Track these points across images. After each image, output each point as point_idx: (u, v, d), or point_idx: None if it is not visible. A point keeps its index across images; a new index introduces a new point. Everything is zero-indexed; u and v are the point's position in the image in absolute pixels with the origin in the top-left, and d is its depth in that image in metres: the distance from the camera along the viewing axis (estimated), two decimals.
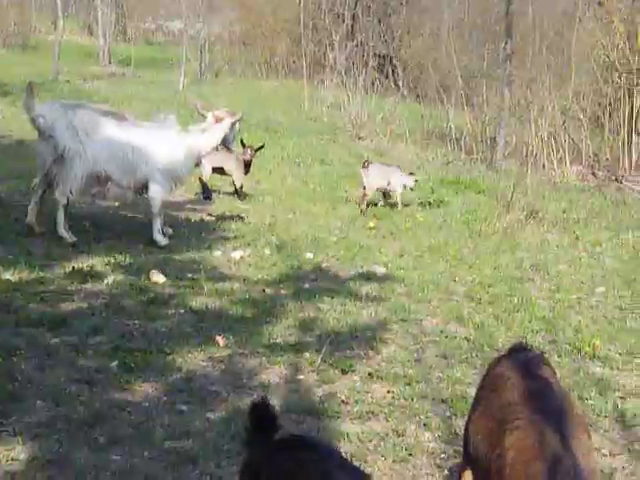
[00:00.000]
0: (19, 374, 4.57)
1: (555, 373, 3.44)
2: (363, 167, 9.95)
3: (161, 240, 7.45)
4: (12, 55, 21.27)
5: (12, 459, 3.76)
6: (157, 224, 7.49)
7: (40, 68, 18.69)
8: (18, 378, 4.52)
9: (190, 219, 8.62)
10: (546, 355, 3.68)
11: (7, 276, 6.03)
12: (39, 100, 7.45)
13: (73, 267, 6.40)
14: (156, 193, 7.45)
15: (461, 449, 3.71)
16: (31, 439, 3.93)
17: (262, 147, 10.01)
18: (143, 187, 7.52)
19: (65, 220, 7.26)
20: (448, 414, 4.73)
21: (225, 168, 9.86)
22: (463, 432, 3.50)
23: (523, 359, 3.35)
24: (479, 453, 3.18)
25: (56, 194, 7.22)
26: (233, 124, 8.03)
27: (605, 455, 4.39)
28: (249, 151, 9.82)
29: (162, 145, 7.45)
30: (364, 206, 9.71)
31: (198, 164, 8.06)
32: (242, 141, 9.76)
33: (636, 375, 5.45)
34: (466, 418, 3.56)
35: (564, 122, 12.69)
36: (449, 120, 14.32)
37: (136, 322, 5.57)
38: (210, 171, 9.73)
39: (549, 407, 3.07)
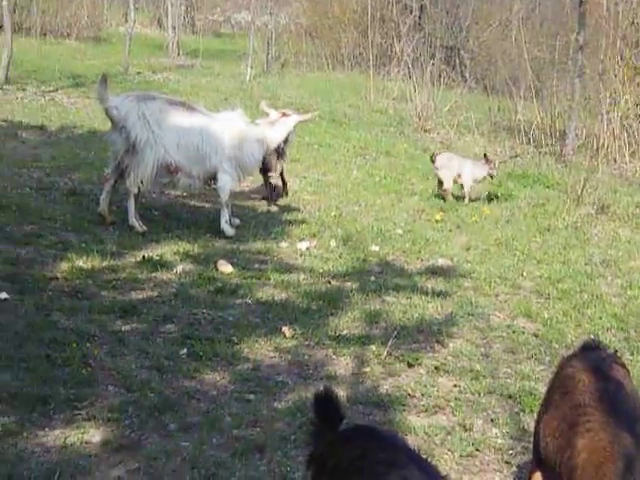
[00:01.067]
0: (92, 360, 4.68)
1: (628, 373, 3.37)
2: (432, 161, 9.80)
3: (229, 230, 7.53)
4: (84, 47, 21.71)
5: (86, 442, 3.86)
6: (225, 214, 7.57)
7: (111, 60, 19.03)
8: (91, 364, 4.63)
9: (257, 209, 8.69)
10: (619, 354, 3.60)
11: (80, 264, 6.17)
12: (111, 91, 7.59)
13: (143, 256, 6.52)
14: (225, 183, 7.53)
15: (530, 446, 3.67)
16: (104, 423, 4.03)
17: None
18: (212, 177, 7.62)
19: (136, 209, 7.39)
20: (516, 410, 4.68)
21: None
22: (533, 433, 3.45)
23: (595, 359, 3.29)
24: (549, 454, 3.15)
25: (127, 184, 7.36)
26: (301, 122, 8.07)
27: None
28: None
29: (231, 136, 7.52)
30: (450, 197, 9.65)
31: (265, 158, 8.10)
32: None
33: None
34: (535, 418, 3.52)
35: (638, 114, 12.38)
36: (517, 112, 14.12)
37: (204, 311, 5.65)
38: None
39: (621, 409, 3.03)
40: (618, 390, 3.14)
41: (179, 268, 6.43)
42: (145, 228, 7.36)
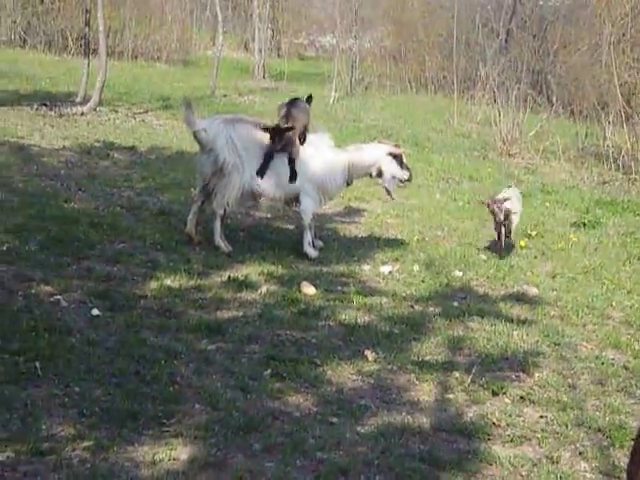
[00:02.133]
0: (179, 377, 4.78)
1: None
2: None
3: (312, 252, 7.59)
4: (173, 70, 22.30)
5: (173, 459, 3.93)
6: (307, 236, 7.63)
7: (198, 83, 19.51)
8: (179, 381, 4.73)
9: (339, 232, 8.73)
10: None
11: (168, 282, 6.32)
12: (198, 113, 7.77)
13: (229, 276, 6.63)
14: (306, 206, 7.61)
15: None
16: (191, 441, 4.10)
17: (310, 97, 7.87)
18: (294, 199, 7.70)
19: (221, 230, 7.53)
20: (605, 444, 4.56)
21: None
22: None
23: None
24: None
25: (214, 205, 7.51)
26: (394, 157, 7.73)
27: None
28: None
29: (316, 160, 7.59)
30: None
31: (349, 183, 8.04)
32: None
33: None
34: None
35: None
36: (606, 138, 13.83)
37: (287, 332, 5.70)
38: None
39: None
40: None
41: (263, 289, 6.51)
42: (230, 248, 7.47)
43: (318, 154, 7.62)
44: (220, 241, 7.51)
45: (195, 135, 7.50)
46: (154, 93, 16.84)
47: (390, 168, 7.76)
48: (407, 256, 7.92)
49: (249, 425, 4.31)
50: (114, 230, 7.45)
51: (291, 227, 8.49)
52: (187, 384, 4.71)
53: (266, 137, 7.50)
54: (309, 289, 6.62)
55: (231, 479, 3.82)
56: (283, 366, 5.11)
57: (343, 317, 6.14)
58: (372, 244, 8.21)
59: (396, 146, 8.00)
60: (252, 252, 7.48)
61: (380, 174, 7.81)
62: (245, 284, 6.53)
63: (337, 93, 19.47)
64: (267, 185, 7.51)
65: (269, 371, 5.04)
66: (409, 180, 7.97)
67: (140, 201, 8.73)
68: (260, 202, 7.69)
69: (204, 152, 7.48)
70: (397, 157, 7.78)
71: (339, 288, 6.80)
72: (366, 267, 7.44)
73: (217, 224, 7.51)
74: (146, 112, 14.89)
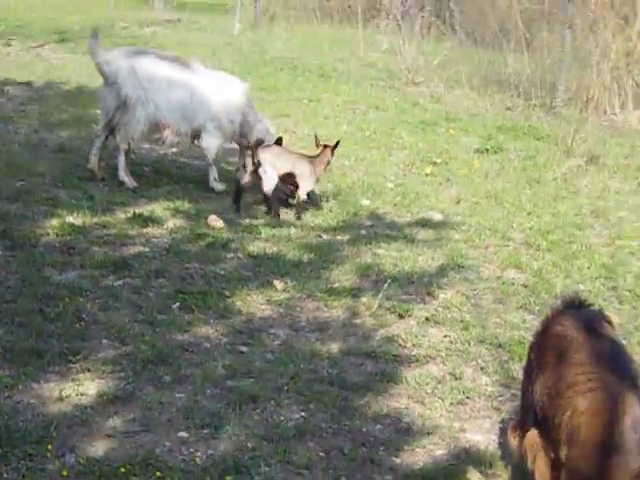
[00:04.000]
0: (85, 314, 4.72)
1: (614, 329, 3.37)
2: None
3: (218, 187, 7.53)
4: (65, 2, 21.36)
5: (81, 394, 3.91)
6: (213, 171, 7.56)
7: (95, 15, 18.79)
8: (84, 318, 4.67)
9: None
10: (605, 311, 3.59)
11: (71, 219, 6.17)
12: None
13: (134, 212, 6.52)
14: (209, 143, 7.49)
15: (518, 392, 3.72)
16: (98, 376, 4.08)
17: (337, 144, 7.33)
18: (197, 135, 7.57)
19: (126, 165, 7.37)
20: (505, 359, 4.75)
21: (297, 173, 7.11)
22: (523, 392, 3.39)
23: (584, 317, 3.25)
24: (546, 414, 3.10)
25: (118, 139, 7.33)
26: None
27: None
28: (329, 152, 7.26)
29: (220, 99, 7.43)
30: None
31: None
32: (316, 137, 7.45)
33: None
34: (524, 377, 3.42)
35: (628, 65, 12.32)
36: (508, 65, 14.01)
37: (196, 265, 5.68)
38: (275, 180, 7.01)
39: (620, 367, 3.00)
40: (614, 348, 3.12)
41: (170, 224, 6.45)
42: (135, 184, 7.34)
43: (224, 95, 7.47)
44: (125, 176, 7.35)
45: (98, 67, 7.27)
46: (50, 25, 16.15)
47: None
48: (315, 187, 7.93)
49: (158, 358, 4.31)
50: (11, 168, 7.19)
51: (197, 162, 8.37)
52: (93, 320, 4.66)
53: (171, 69, 7.32)
54: (217, 222, 6.59)
55: (140, 411, 3.83)
56: (192, 299, 5.10)
57: (251, 249, 6.14)
58: None
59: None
60: (157, 187, 7.37)
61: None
62: (151, 219, 6.45)
63: (241, 25, 19.07)
64: (172, 118, 7.36)
65: (178, 304, 5.02)
66: None
67: (38, 138, 8.44)
68: (165, 136, 7.52)
69: (107, 85, 7.26)
70: None
71: (247, 220, 6.79)
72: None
73: (122, 159, 7.34)
74: (42, 46, 14.29)
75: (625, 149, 10.00)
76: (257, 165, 7.03)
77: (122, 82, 7.16)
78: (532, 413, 3.24)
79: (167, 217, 6.60)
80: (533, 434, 3.23)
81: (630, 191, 8.42)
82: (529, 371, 3.34)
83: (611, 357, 3.04)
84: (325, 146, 7.25)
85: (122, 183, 7.30)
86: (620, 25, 12.44)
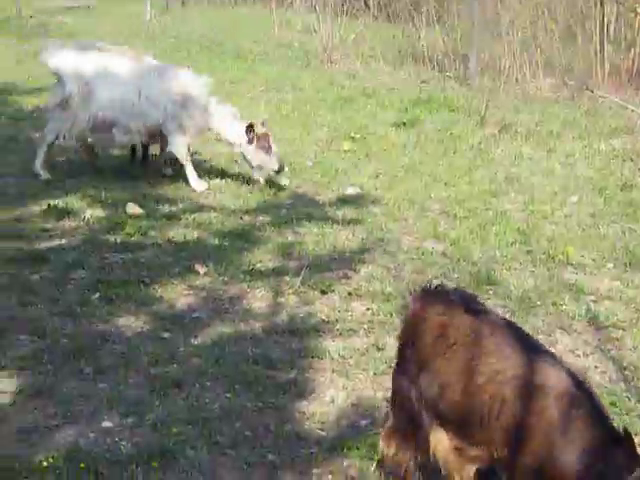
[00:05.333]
0: (1, 310, 4.62)
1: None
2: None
3: (199, 186, 7.24)
4: None
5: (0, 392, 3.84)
6: (191, 172, 7.29)
7: (2, 3, 18.23)
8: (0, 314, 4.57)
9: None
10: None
11: None
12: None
13: (49, 204, 6.40)
14: (176, 144, 7.26)
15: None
16: (17, 372, 4.01)
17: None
18: (156, 134, 7.34)
19: (45, 158, 7.22)
20: None
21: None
22: (400, 392, 3.13)
23: (460, 300, 3.00)
24: (451, 406, 2.87)
25: (45, 130, 7.21)
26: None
27: (579, 356, 4.54)
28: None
29: (174, 93, 7.20)
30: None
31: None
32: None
33: (608, 279, 5.58)
34: (397, 375, 3.18)
35: (534, 34, 12.57)
36: (421, 38, 14.17)
37: (115, 255, 5.62)
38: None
39: (530, 345, 2.86)
40: (509, 324, 2.96)
41: (87, 214, 6.35)
42: (49, 176, 7.19)
43: (179, 89, 7.23)
44: (39, 169, 7.20)
45: (46, 64, 7.19)
46: None
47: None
48: (233, 169, 7.92)
49: (79, 350, 4.26)
50: None
51: (114, 151, 8.22)
52: (9, 316, 4.57)
53: (118, 63, 7.14)
54: (135, 210, 6.51)
55: (62, 404, 3.79)
56: (112, 289, 5.04)
57: (172, 235, 6.10)
58: (199, 159, 8.12)
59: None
60: (72, 177, 7.24)
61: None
62: (67, 211, 6.35)
63: (153, 9, 18.77)
64: (117, 116, 7.10)
65: (97, 295, 4.97)
66: None
67: None
68: (114, 135, 7.25)
69: (57, 82, 7.17)
70: None
71: (166, 207, 6.74)
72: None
73: (41, 151, 7.20)
74: None
75: (536, 116, 10.21)
76: None
77: (66, 78, 7.04)
78: (422, 415, 2.97)
79: (84, 208, 6.50)
80: (442, 440, 2.94)
81: (541, 157, 8.62)
82: (406, 369, 3.06)
83: (515, 336, 2.84)
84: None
85: (36, 176, 7.15)
86: None
